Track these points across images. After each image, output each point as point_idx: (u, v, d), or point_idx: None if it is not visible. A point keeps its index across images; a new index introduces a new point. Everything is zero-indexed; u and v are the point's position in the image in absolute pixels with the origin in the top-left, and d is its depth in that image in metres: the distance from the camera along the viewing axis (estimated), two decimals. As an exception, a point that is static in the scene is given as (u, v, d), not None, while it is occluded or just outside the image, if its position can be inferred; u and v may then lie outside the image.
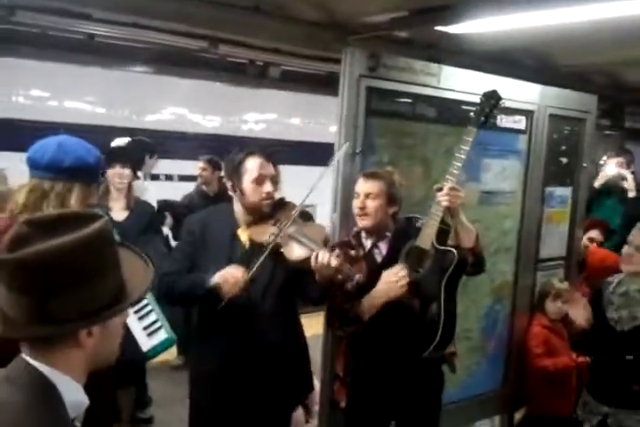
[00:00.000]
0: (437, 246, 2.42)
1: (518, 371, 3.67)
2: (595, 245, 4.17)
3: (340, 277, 2.34)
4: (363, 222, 2.55)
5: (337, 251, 2.37)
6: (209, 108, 6.78)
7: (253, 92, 6.59)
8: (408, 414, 2.64)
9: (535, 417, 3.68)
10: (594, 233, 4.27)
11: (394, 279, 2.41)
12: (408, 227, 2.56)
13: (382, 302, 2.43)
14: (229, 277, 2.36)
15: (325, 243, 2.44)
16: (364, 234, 2.62)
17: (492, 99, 2.45)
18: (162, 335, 2.27)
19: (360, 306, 2.45)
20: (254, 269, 2.37)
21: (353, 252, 2.55)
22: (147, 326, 2.41)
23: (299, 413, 3.40)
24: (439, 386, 2.68)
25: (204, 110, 6.77)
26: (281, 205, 2.59)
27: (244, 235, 2.54)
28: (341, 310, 2.48)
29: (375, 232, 2.59)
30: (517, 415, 3.88)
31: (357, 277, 2.35)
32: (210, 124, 6.84)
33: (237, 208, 2.57)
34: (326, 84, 5.64)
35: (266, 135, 7.07)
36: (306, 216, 2.63)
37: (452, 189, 2.38)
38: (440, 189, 2.41)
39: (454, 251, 2.41)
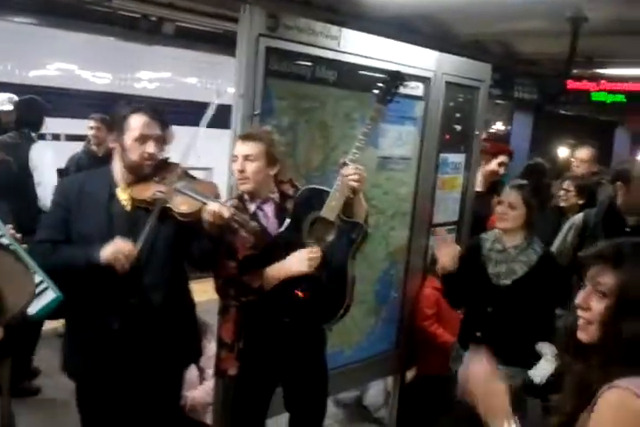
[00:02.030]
0: (345, 218, 2.44)
1: (410, 332, 3.79)
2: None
3: (235, 225, 2.30)
4: (243, 186, 2.52)
5: (230, 201, 2.33)
6: (99, 64, 6.43)
7: (146, 48, 6.31)
8: (294, 377, 2.68)
9: (425, 376, 3.83)
10: (503, 158, 4.41)
11: (306, 257, 2.41)
12: (310, 197, 2.51)
13: (287, 275, 2.43)
14: (119, 254, 2.26)
15: (216, 197, 2.40)
16: (246, 197, 2.57)
17: (396, 78, 2.54)
18: (50, 295, 2.22)
19: (262, 277, 2.43)
20: (143, 237, 2.31)
21: None
22: None
23: (193, 374, 3.38)
24: (322, 345, 2.73)
25: (93, 66, 6.41)
26: (165, 166, 2.50)
27: (124, 194, 2.44)
28: (238, 280, 2.45)
29: (257, 195, 2.55)
30: (409, 375, 4.01)
31: (252, 224, 2.33)
32: (100, 81, 6.50)
33: (117, 168, 2.47)
34: (224, 44, 5.47)
35: (160, 94, 6.80)
36: (192, 178, 2.57)
37: (357, 169, 2.39)
38: (345, 164, 2.40)
39: (362, 223, 2.43)
